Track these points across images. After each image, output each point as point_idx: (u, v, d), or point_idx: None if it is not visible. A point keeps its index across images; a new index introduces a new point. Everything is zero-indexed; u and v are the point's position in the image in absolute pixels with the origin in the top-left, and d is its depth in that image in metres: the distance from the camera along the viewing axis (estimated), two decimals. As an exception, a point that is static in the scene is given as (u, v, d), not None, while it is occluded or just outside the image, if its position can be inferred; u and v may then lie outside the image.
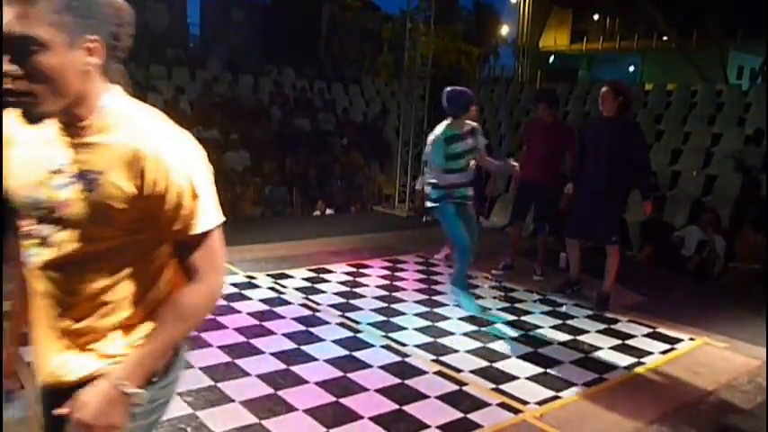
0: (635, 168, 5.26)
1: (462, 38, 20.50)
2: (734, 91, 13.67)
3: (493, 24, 24.80)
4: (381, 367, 3.99)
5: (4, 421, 1.82)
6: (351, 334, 4.54)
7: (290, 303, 5.13)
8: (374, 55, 19.16)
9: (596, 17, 25.55)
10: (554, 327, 4.97)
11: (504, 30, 25.33)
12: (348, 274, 6.10)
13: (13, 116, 1.41)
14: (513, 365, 4.17)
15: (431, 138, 5.03)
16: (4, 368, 1.70)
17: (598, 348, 4.57)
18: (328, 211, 9.97)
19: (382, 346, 4.34)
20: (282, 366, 3.91)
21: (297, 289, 5.51)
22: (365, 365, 4.00)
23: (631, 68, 27.15)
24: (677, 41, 20.27)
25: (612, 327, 5.06)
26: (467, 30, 21.96)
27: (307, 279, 5.82)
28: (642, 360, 4.40)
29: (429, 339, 4.54)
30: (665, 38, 21.07)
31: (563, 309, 5.43)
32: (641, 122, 12.08)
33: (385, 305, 5.24)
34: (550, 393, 3.79)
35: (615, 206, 5.39)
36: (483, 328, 4.83)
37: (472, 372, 4.02)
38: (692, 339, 4.85)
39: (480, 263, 6.61)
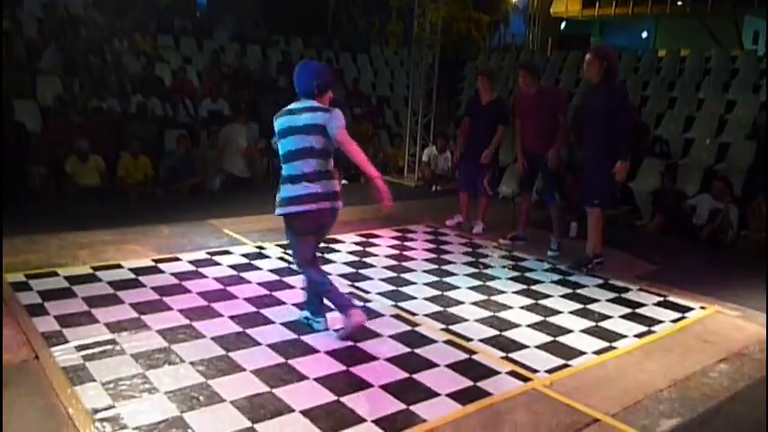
0: (616, 132, 5.20)
1: (472, 5, 20.15)
2: (749, 57, 13.41)
3: (503, -9, 24.34)
4: (391, 336, 4.01)
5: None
6: (361, 304, 4.54)
7: (299, 273, 5.12)
8: (382, 24, 18.90)
9: (609, -18, 25.05)
10: (564, 296, 4.96)
11: (515, -4, 24.90)
12: (357, 244, 6.10)
13: None
14: (522, 334, 4.18)
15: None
16: None
17: (608, 317, 4.57)
18: (343, 182, 9.95)
19: (392, 316, 4.36)
20: (293, 336, 3.93)
21: (307, 259, 5.51)
22: (375, 335, 4.02)
23: (644, 34, 26.68)
24: (691, 6, 19.88)
25: (623, 295, 5.04)
26: (476, -3, 21.54)
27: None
28: (653, 329, 4.39)
29: (439, 308, 4.55)
30: (679, 2, 20.65)
31: (573, 278, 5.42)
32: (654, 89, 11.97)
33: (394, 275, 5.25)
34: (560, 362, 3.80)
35: (600, 172, 5.33)
36: (492, 297, 4.83)
37: (482, 340, 4.03)
38: (703, 308, 4.83)
39: (490, 232, 6.61)
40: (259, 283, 4.85)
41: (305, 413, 3.06)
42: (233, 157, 9.20)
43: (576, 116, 5.77)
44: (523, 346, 3.99)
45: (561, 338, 4.15)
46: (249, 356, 3.62)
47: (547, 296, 4.93)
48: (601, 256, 5.66)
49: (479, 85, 6.78)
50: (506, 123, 6.75)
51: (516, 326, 4.31)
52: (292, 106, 3.88)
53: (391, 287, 4.94)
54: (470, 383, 3.45)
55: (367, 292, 4.79)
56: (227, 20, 15.91)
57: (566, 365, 3.76)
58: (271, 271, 5.15)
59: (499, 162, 6.74)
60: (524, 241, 6.34)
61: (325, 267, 5.31)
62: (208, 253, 5.53)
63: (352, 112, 12.42)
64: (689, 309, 4.81)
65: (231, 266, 5.22)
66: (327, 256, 5.66)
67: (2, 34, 9.67)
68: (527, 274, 5.45)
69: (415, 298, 4.74)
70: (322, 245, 5.93)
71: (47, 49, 10.56)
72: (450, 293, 4.88)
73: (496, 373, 3.61)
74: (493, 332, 4.18)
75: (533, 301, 4.80)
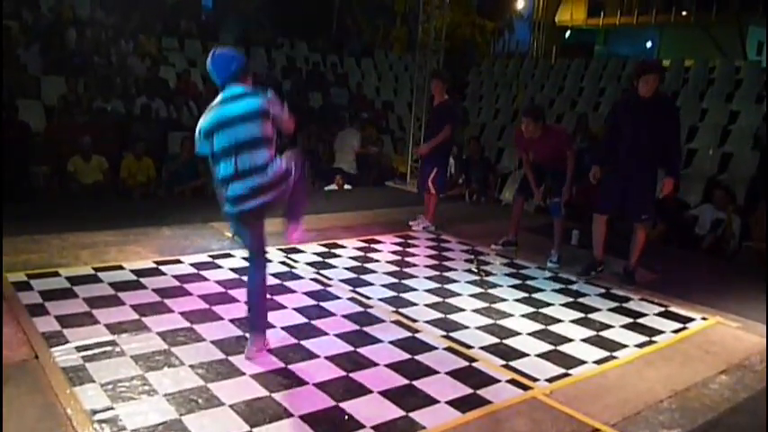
0: (668, 147, 5.27)
1: (476, 11, 20.18)
2: (753, 67, 13.42)
3: (508, -2, 24.39)
4: (392, 342, 4.00)
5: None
6: (361, 309, 4.55)
7: (301, 278, 5.14)
8: (387, 28, 18.95)
9: (614, -10, 25.07)
10: (565, 304, 4.95)
11: (520, 3, 24.92)
12: (359, 249, 6.10)
13: None
14: (523, 342, 4.17)
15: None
16: None
17: (609, 326, 4.56)
18: (347, 187, 9.97)
19: (393, 322, 4.35)
20: (293, 341, 3.93)
21: (308, 264, 5.52)
22: (376, 340, 4.01)
23: (648, 44, 26.65)
24: (696, 16, 19.89)
25: (624, 305, 5.03)
26: (481, 3, 21.57)
27: (318, 254, 5.83)
28: (653, 339, 4.39)
29: (439, 315, 4.55)
30: (683, 12, 20.65)
31: (575, 287, 5.41)
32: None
33: (396, 281, 5.24)
34: (560, 370, 3.79)
35: (651, 185, 5.43)
36: (493, 305, 4.82)
37: (482, 348, 4.03)
38: (704, 318, 4.82)
39: (491, 239, 6.59)
40: (260, 287, 4.84)
41: (304, 418, 3.05)
42: (346, 156, 10.53)
43: (611, 131, 5.56)
44: (524, 355, 3.98)
45: (562, 347, 4.14)
46: (249, 360, 3.61)
47: (548, 304, 4.92)
48: (602, 264, 5.67)
49: (432, 88, 7.00)
50: (453, 123, 6.85)
51: (517, 334, 4.31)
52: (222, 96, 3.51)
53: (392, 293, 4.94)
54: (470, 391, 3.45)
55: (368, 298, 4.78)
56: (233, 23, 15.97)
57: (566, 374, 3.75)
58: (272, 275, 5.13)
59: (447, 162, 6.82)
60: (515, 246, 6.34)
61: (327, 272, 5.32)
62: (209, 256, 5.53)
63: (356, 116, 12.45)
64: (690, 319, 4.80)
65: (232, 269, 5.22)
66: (329, 260, 5.66)
67: (2, 33, 9.70)
68: (528, 282, 5.44)
69: (415, 304, 4.74)
70: (324, 250, 5.95)
71: (30, 49, 10.64)
72: (452, 300, 4.87)
73: (496, 380, 3.60)
74: (493, 340, 4.17)
75: (534, 310, 4.79)
